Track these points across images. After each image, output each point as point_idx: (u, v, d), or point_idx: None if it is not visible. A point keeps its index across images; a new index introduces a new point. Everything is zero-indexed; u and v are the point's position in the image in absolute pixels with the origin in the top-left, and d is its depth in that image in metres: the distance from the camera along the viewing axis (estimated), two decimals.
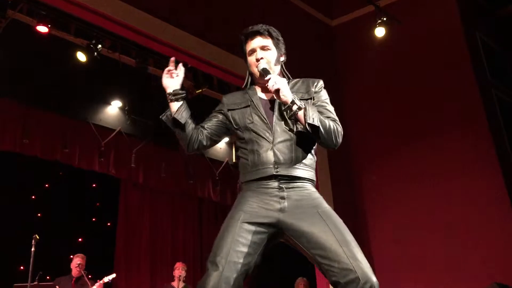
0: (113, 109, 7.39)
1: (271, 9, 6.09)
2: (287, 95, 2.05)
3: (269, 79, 2.07)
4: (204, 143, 2.24)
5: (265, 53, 2.23)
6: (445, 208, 5.56)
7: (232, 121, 2.23)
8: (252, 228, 2.00)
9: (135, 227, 7.76)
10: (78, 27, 5.58)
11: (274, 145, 2.09)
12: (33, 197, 7.01)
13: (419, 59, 6.18)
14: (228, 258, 1.91)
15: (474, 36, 6.22)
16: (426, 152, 5.89)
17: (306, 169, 2.13)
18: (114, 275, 5.81)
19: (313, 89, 2.23)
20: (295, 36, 6.53)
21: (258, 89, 2.28)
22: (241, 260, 1.93)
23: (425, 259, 5.56)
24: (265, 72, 2.14)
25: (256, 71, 2.22)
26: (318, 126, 2.03)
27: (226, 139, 8.62)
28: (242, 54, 2.32)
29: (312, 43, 6.64)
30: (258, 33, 2.26)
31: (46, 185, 7.20)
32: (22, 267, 6.09)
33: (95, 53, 5.68)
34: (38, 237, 4.75)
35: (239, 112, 2.21)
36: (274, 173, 2.05)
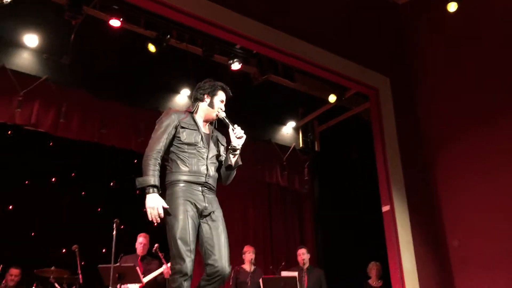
0: (183, 97, 7.59)
1: None
2: (242, 143, 3.07)
3: (236, 128, 3.03)
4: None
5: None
6: None
7: (180, 135, 3.02)
8: (194, 214, 2.86)
9: None
10: (147, 20, 5.80)
11: (208, 163, 3.03)
12: (111, 184, 7.41)
13: (493, 36, 5.80)
14: (192, 245, 2.76)
15: None
16: (502, 134, 5.58)
17: (215, 183, 3.08)
18: None
19: (224, 144, 3.23)
20: (360, 16, 6.37)
21: (200, 120, 3.14)
22: (194, 244, 2.80)
23: (504, 249, 5.32)
24: (229, 121, 3.07)
25: (216, 112, 3.12)
26: (238, 167, 3.16)
27: (293, 123, 8.66)
28: (205, 92, 3.15)
29: (378, 23, 6.43)
30: (228, 96, 3.22)
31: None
32: (104, 250, 6.46)
33: (164, 44, 5.88)
34: (118, 222, 4.99)
35: (189, 132, 3.04)
36: (205, 181, 2.98)
